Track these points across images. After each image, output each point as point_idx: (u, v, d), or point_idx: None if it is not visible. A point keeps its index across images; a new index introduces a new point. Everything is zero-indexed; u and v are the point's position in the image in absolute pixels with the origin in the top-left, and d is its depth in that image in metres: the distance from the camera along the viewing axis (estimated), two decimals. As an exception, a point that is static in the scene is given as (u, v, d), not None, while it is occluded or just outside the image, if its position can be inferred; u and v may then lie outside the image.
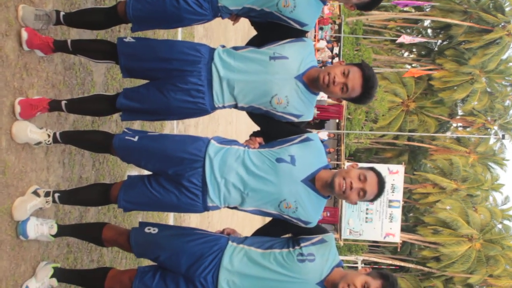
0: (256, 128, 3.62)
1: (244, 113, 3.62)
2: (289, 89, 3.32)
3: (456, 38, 40.62)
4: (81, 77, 4.31)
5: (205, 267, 3.25)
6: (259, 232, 3.55)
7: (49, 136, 3.56)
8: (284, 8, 3.31)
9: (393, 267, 40.25)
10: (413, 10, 44.72)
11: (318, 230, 3.41)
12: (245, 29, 13.51)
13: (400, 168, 22.36)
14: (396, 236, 22.52)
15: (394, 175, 22.10)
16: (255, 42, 3.57)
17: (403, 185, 22.63)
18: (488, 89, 41.25)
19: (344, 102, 26.54)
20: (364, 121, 39.59)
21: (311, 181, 3.27)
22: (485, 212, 36.84)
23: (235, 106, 3.44)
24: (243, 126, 13.72)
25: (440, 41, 44.20)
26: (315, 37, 25.00)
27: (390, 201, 22.09)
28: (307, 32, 3.56)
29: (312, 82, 3.34)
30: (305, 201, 3.26)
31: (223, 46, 3.44)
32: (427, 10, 42.97)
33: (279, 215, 3.34)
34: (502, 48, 38.55)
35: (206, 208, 3.37)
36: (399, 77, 40.66)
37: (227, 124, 12.24)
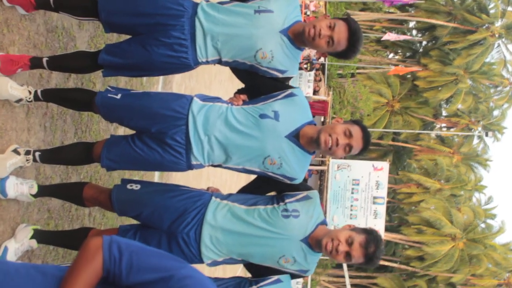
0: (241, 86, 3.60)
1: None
2: (274, 43, 3.29)
3: (440, 39, 40.92)
4: (64, 42, 4.25)
5: (187, 223, 3.20)
6: (243, 190, 3.52)
7: (30, 93, 3.50)
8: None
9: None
10: (398, 11, 44.97)
11: (303, 187, 3.39)
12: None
13: (385, 165, 22.40)
14: (380, 232, 22.54)
15: (379, 171, 22.14)
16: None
17: (387, 182, 22.62)
18: (473, 91, 41.57)
19: (329, 98, 26.59)
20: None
21: (295, 136, 3.24)
22: (469, 212, 37.13)
23: (219, 61, 3.40)
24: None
25: (425, 42, 44.52)
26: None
27: (374, 197, 22.12)
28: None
29: (297, 36, 3.31)
30: (290, 157, 3.23)
31: (207, 0, 3.40)
32: (412, 11, 43.21)
33: (263, 173, 3.30)
34: (486, 49, 38.91)
35: (189, 166, 3.33)
36: (384, 77, 40.87)
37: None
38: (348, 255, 3.12)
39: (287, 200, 3.28)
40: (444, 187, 38.57)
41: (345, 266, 27.81)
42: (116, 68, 3.43)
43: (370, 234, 3.16)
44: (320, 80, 26.36)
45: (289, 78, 3.45)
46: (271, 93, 3.31)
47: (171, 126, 3.22)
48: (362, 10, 45.42)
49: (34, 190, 3.54)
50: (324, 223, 3.33)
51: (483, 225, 38.15)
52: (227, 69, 3.61)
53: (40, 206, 3.96)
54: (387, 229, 36.09)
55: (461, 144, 42.40)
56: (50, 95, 3.57)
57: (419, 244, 36.65)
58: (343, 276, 42.78)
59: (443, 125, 43.51)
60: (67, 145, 3.84)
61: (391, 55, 49.13)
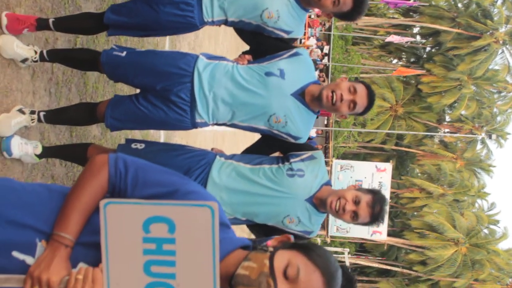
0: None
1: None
2: (280, 3, 3.30)
3: (444, 45, 40.89)
4: (70, 10, 4.27)
5: None
6: (247, 151, 3.53)
7: (36, 52, 3.51)
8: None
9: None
10: (402, 17, 45.02)
11: (308, 147, 3.39)
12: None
13: (388, 166, 22.34)
14: (383, 234, 22.47)
15: (382, 173, 22.08)
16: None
17: (390, 183, 22.56)
18: (476, 96, 41.51)
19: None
20: (352, 125, 39.72)
21: (300, 95, 3.25)
22: (471, 217, 36.99)
23: (225, 22, 3.41)
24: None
25: (429, 47, 44.53)
26: (304, 34, 25.04)
27: (377, 198, 22.04)
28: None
29: None
30: (295, 115, 3.24)
31: None
32: (416, 17, 43.24)
33: (268, 131, 3.31)
34: (490, 55, 38.85)
35: (194, 124, 3.33)
36: (388, 82, 40.87)
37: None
38: (355, 215, 3.12)
39: (292, 160, 3.28)
40: (447, 192, 38.47)
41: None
42: (122, 28, 3.44)
43: (376, 194, 3.17)
44: (324, 81, 26.37)
45: (295, 40, 3.46)
46: (276, 53, 3.31)
47: (176, 84, 3.23)
48: (366, 15, 45.42)
49: (39, 150, 3.55)
50: (328, 183, 3.32)
51: (486, 231, 37.97)
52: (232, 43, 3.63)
53: (44, 172, 3.96)
54: (390, 234, 35.97)
55: (465, 149, 42.30)
56: (56, 55, 3.58)
57: (422, 249, 36.51)
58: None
59: (447, 130, 43.44)
60: (71, 105, 3.85)
61: (395, 61, 49.13)
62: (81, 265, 1.62)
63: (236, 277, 1.64)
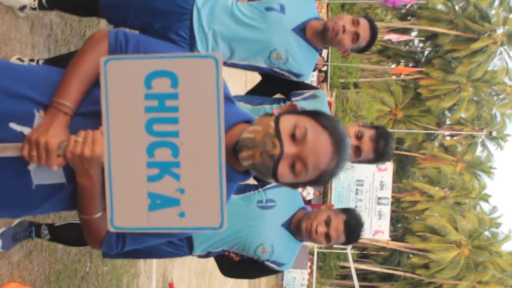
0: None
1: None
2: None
3: (443, 47, 40.97)
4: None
5: None
6: (248, 93, 3.48)
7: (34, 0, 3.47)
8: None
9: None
10: (399, 21, 45.11)
11: (309, 86, 3.35)
12: None
13: (389, 166, 22.26)
14: (385, 233, 22.35)
15: (383, 172, 22.00)
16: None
17: (391, 182, 22.50)
18: (475, 98, 41.53)
19: (332, 99, 26.54)
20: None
21: (301, 30, 3.21)
22: (473, 219, 36.90)
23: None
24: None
25: (427, 51, 44.61)
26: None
27: (379, 198, 21.97)
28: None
29: None
30: (296, 51, 3.19)
31: None
32: (414, 20, 43.33)
33: (269, 69, 3.26)
34: (488, 57, 38.91)
35: (193, 62, 3.27)
36: (386, 85, 40.90)
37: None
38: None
39: (293, 99, 3.24)
40: (448, 195, 38.40)
41: (354, 276, 27.55)
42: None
43: (379, 128, 3.12)
44: (323, 81, 26.36)
45: None
46: None
47: (175, 22, 3.18)
48: (364, 20, 45.51)
49: None
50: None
51: (488, 234, 37.85)
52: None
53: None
54: (392, 238, 35.85)
55: (465, 152, 42.28)
56: (55, 2, 3.53)
57: (424, 252, 36.36)
58: (347, 286, 42.48)
59: (447, 133, 43.43)
60: (73, 51, 3.80)
61: (393, 65, 49.19)
62: None
63: (240, 141, 1.58)
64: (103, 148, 1.47)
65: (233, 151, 1.61)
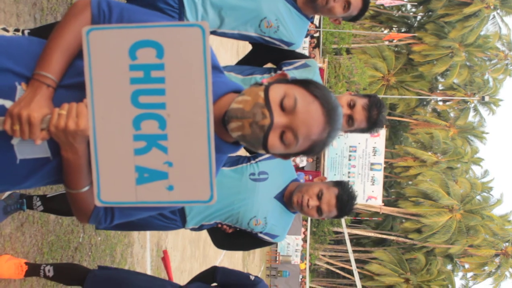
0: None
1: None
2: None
3: (435, 12, 40.69)
4: None
5: None
6: (239, 63, 3.42)
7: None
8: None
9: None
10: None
11: (301, 55, 3.29)
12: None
13: (382, 131, 22.34)
14: (378, 199, 22.55)
15: (376, 138, 22.08)
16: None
17: (384, 148, 22.59)
18: (468, 63, 41.45)
19: (324, 66, 26.42)
20: (345, 95, 39.53)
21: (293, -2, 3.14)
22: (466, 184, 37.21)
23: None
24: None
25: (419, 16, 44.31)
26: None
27: (372, 164, 22.09)
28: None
29: None
30: (287, 19, 3.13)
31: None
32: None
33: (260, 38, 3.19)
34: (481, 21, 38.72)
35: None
36: (379, 51, 40.70)
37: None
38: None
39: (285, 68, 3.19)
40: (441, 160, 38.61)
41: (347, 241, 27.79)
42: None
43: (372, 97, 3.08)
44: (315, 47, 26.18)
45: None
46: None
47: (163, -10, 3.10)
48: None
49: None
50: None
51: (480, 198, 38.21)
52: None
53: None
54: (384, 203, 36.16)
55: (457, 117, 42.37)
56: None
57: (417, 217, 36.73)
58: (340, 251, 42.96)
59: (439, 98, 43.45)
60: (59, 21, 3.71)
61: (386, 31, 48.87)
62: None
63: (229, 111, 1.54)
64: (88, 121, 1.43)
65: (222, 122, 1.57)
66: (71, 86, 1.54)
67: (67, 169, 1.54)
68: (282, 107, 1.51)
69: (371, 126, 3.08)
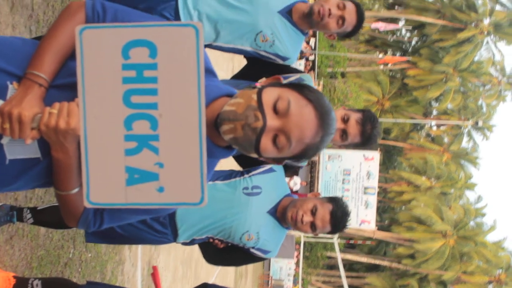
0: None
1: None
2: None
3: (430, 37, 41.08)
4: None
5: None
6: (234, 77, 3.43)
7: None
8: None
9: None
10: (387, 10, 45.09)
11: (295, 70, 3.30)
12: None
13: (376, 155, 22.34)
14: (371, 223, 22.45)
15: (370, 161, 22.08)
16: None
17: (378, 172, 22.58)
18: (461, 88, 41.73)
19: (319, 88, 26.52)
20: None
21: (288, 13, 3.15)
22: (459, 209, 37.19)
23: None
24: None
25: (414, 41, 44.71)
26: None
27: (365, 188, 22.05)
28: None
29: None
30: (282, 34, 3.14)
31: None
32: (401, 9, 43.36)
33: (255, 52, 3.20)
34: (475, 46, 39.06)
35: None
36: (374, 75, 40.95)
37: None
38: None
39: (279, 82, 3.18)
40: (435, 185, 38.62)
41: (341, 266, 27.65)
42: None
43: (366, 112, 3.10)
44: (310, 70, 26.33)
45: None
46: None
47: (160, 2, 3.10)
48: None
49: None
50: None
51: (473, 224, 38.18)
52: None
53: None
54: (378, 228, 36.04)
55: (451, 142, 42.51)
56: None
57: (410, 242, 36.61)
58: (333, 276, 42.68)
59: (433, 122, 43.63)
60: None
61: (381, 55, 49.24)
62: None
63: (221, 114, 1.53)
64: (79, 120, 1.41)
65: (215, 125, 1.56)
66: (63, 86, 1.53)
67: (57, 169, 1.52)
68: (275, 110, 1.50)
69: (365, 140, 3.09)
